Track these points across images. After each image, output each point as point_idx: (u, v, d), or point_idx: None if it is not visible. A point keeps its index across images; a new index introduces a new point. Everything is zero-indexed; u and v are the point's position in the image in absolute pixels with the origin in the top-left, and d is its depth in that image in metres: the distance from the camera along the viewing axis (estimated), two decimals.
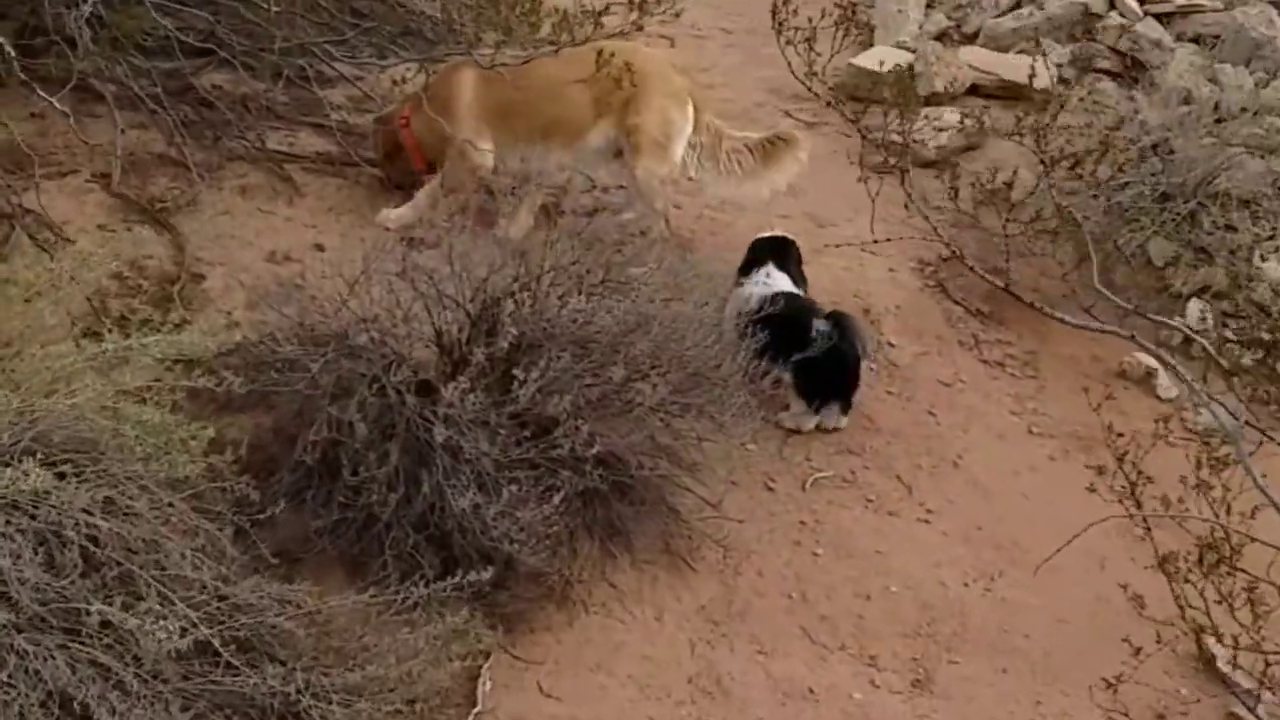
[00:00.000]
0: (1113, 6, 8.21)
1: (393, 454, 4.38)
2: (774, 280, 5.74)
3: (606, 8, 6.54)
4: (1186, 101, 6.63)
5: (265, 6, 6.38)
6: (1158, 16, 8.11)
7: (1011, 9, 8.42)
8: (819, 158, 7.28)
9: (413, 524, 4.38)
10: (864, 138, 7.30)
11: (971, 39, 8.39)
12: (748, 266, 5.84)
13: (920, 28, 8.48)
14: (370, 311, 4.63)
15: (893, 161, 6.66)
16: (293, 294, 4.94)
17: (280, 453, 4.63)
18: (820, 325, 5.55)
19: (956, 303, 6.51)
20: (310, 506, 4.47)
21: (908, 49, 8.22)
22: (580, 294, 4.78)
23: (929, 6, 8.78)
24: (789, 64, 6.98)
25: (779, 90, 8.03)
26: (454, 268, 4.73)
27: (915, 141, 7.27)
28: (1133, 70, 7.85)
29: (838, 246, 6.70)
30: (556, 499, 4.39)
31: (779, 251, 5.89)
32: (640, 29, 6.52)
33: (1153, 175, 6.38)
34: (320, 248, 5.88)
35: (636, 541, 4.86)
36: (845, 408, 5.65)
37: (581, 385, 4.62)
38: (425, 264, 4.84)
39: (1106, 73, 7.95)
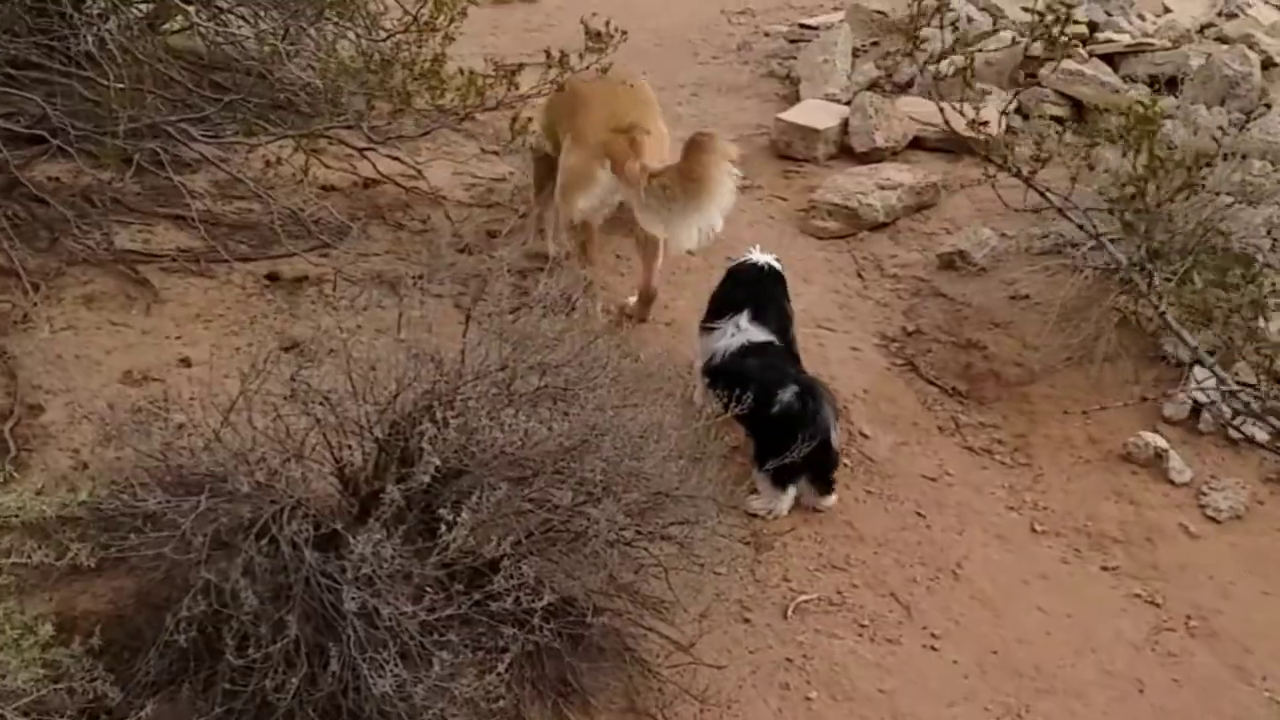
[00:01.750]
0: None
1: (290, 624, 3.55)
2: (745, 330, 5.20)
3: (520, 67, 5.86)
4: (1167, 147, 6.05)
5: (107, 84, 5.53)
6: (1104, 57, 7.61)
7: (946, 54, 7.84)
8: (755, 224, 6.65)
9: (321, 711, 3.56)
10: (813, 206, 6.71)
11: (905, 88, 7.81)
12: (719, 309, 5.28)
13: (849, 78, 7.88)
14: (252, 444, 3.80)
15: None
16: (154, 425, 4.08)
17: (147, 626, 3.79)
18: (784, 395, 4.96)
19: (930, 382, 5.85)
20: (187, 697, 3.63)
21: (838, 101, 7.61)
22: (512, 406, 4.01)
23: (856, 55, 8.19)
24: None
25: None
26: (354, 383, 3.93)
27: (862, 203, 6.65)
28: (1084, 114, 7.30)
29: None
30: (501, 666, 3.59)
31: (755, 290, 5.29)
32: (561, 88, 5.84)
33: (1133, 229, 5.78)
34: (187, 363, 5.03)
35: (596, 701, 4.10)
36: (826, 486, 5.06)
37: (522, 518, 3.85)
38: (320, 379, 4.04)
39: (1055, 119, 7.39)
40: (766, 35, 9.16)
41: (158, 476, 3.85)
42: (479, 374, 4.07)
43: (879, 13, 8.71)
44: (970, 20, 7.96)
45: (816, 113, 7.38)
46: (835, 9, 9.56)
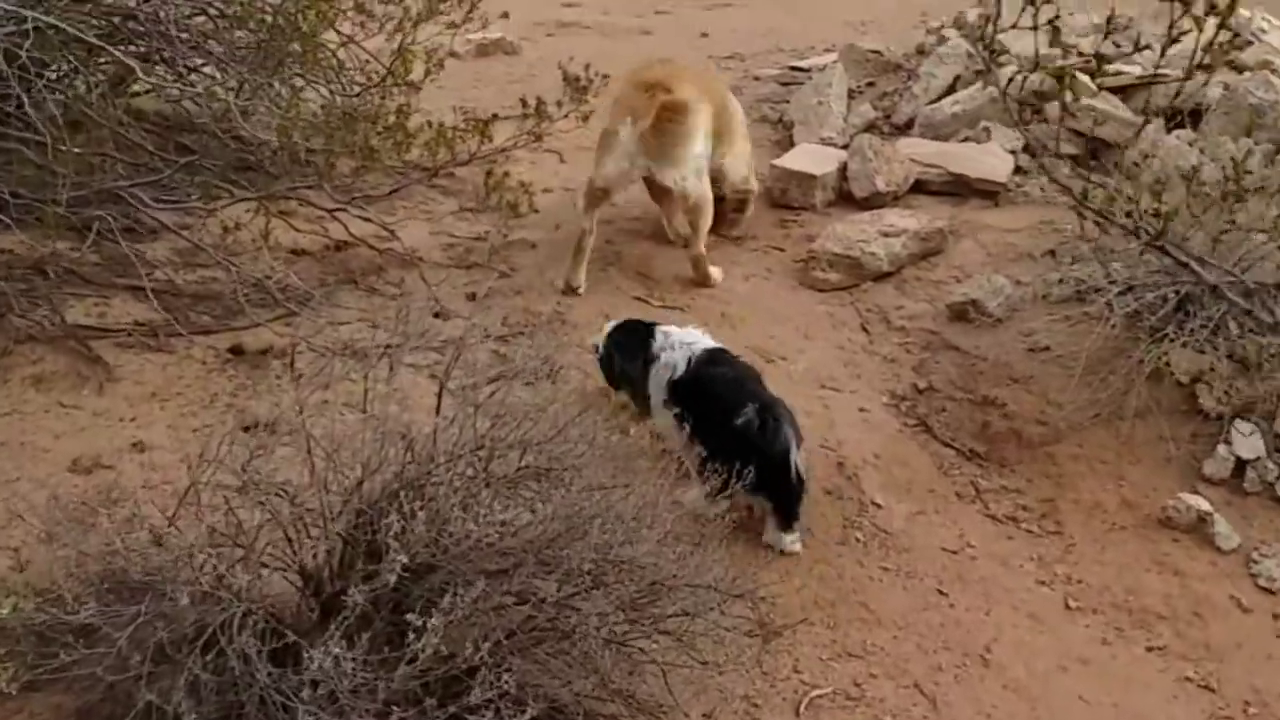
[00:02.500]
0: (1062, 84, 7.37)
1: None
2: (691, 335, 4.94)
3: (494, 118, 5.55)
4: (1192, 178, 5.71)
5: (63, 148, 5.19)
6: (1114, 90, 7.29)
7: (946, 93, 7.55)
8: (751, 278, 6.32)
9: None
10: (812, 257, 6.37)
11: (904, 129, 7.51)
12: (645, 337, 4.94)
13: (845, 120, 7.56)
14: (200, 543, 3.43)
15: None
16: (96, 521, 3.71)
17: None
18: (748, 410, 4.63)
19: (946, 444, 5.49)
20: None
21: (835, 145, 7.29)
22: (490, 489, 3.64)
23: (851, 97, 7.88)
24: None
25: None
26: (314, 470, 3.57)
27: (864, 252, 6.32)
28: (1099, 153, 6.98)
29: (792, 382, 5.64)
30: None
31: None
32: (539, 138, 5.53)
33: (1164, 273, 5.44)
34: (140, 447, 4.66)
35: None
36: (788, 522, 4.70)
37: (502, 615, 3.48)
38: (277, 465, 3.67)
39: (1067, 157, 7.06)
40: (756, 79, 8.87)
41: (96, 581, 3.49)
42: (453, 454, 3.72)
43: (874, 52, 8.43)
44: (971, 55, 7.66)
45: (812, 158, 7.07)
46: (827, 51, 9.30)
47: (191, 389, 4.97)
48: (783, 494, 4.66)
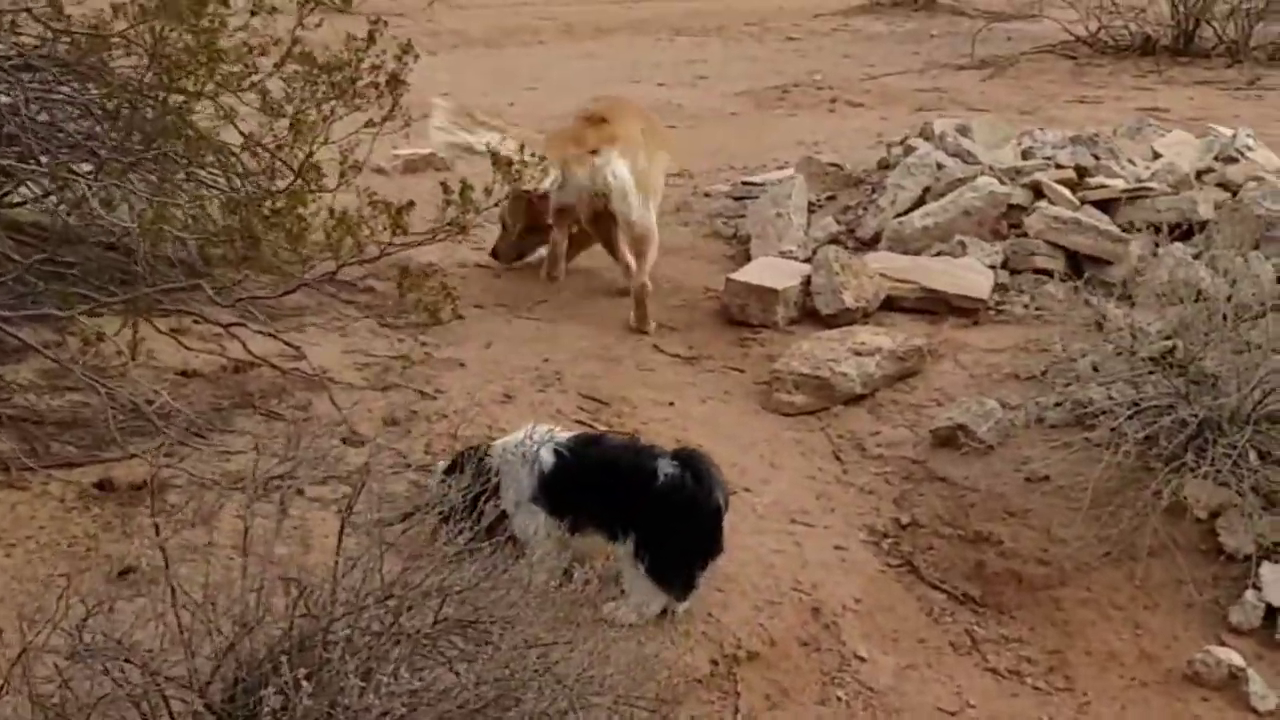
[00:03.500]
0: (1040, 196, 6.90)
1: None
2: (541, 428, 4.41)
3: (410, 204, 4.95)
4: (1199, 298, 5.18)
5: None
6: (1098, 204, 6.82)
7: (915, 205, 7.04)
8: (708, 400, 5.70)
9: None
10: (776, 378, 5.78)
11: (870, 244, 6.98)
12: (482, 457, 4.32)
13: (806, 234, 7.03)
14: None
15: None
16: None
17: None
18: (667, 466, 4.21)
19: (935, 587, 4.85)
20: None
21: (796, 258, 6.74)
22: (401, 648, 2.96)
23: (811, 211, 7.36)
24: None
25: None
26: (180, 627, 2.88)
27: (834, 372, 5.73)
28: (1084, 268, 6.47)
29: (758, 517, 4.99)
30: None
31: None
32: (464, 231, 4.93)
33: (1176, 395, 4.87)
34: None
35: None
36: (688, 585, 4.24)
37: None
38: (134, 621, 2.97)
39: (1046, 272, 6.55)
40: (707, 195, 8.35)
41: None
42: (355, 605, 3.03)
43: (833, 165, 7.95)
44: (940, 167, 7.18)
45: (773, 272, 6.51)
46: (779, 168, 8.80)
47: (45, 531, 4.22)
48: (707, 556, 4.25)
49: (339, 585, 3.16)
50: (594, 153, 6.43)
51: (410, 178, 8.94)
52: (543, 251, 7.02)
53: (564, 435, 4.41)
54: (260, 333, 5.37)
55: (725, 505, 4.28)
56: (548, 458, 4.29)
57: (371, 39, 5.65)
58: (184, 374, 5.29)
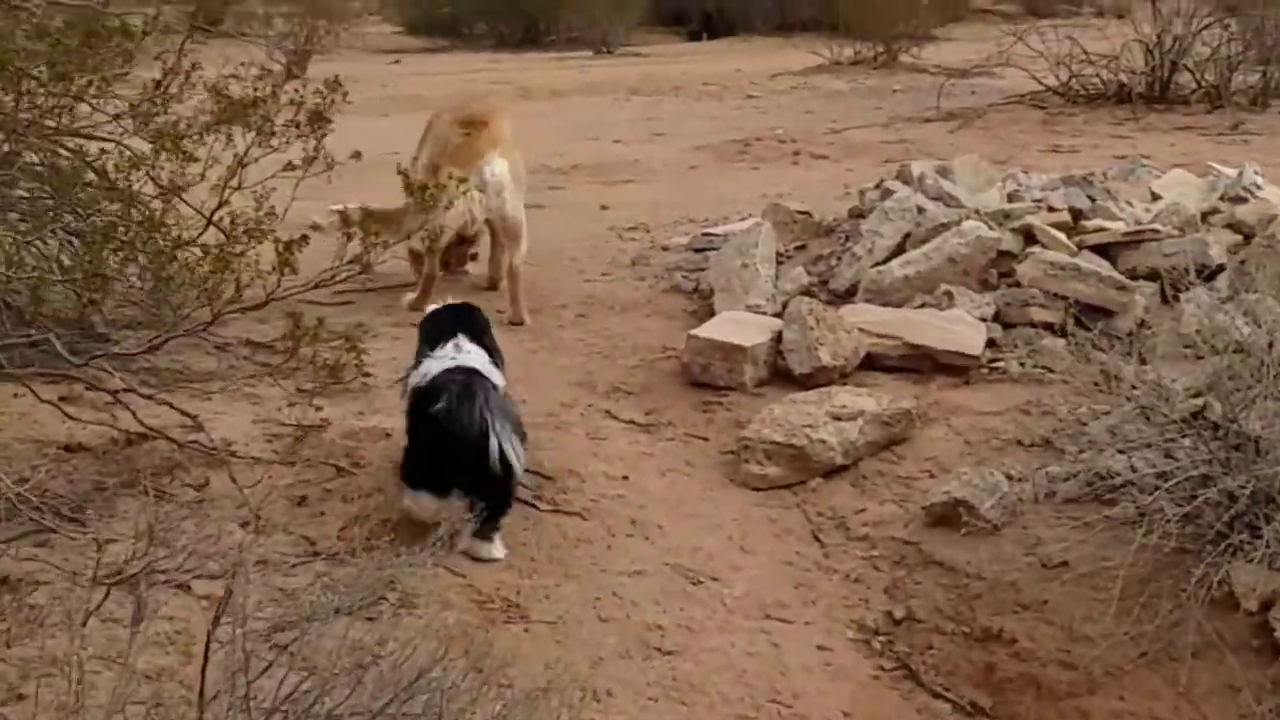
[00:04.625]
0: (1032, 241, 6.16)
1: None
2: (464, 354, 4.47)
3: (302, 238, 4.18)
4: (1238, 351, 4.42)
5: None
6: (1096, 249, 6.09)
7: (894, 253, 6.29)
8: (668, 473, 4.91)
9: None
10: (745, 447, 4.99)
11: (846, 296, 6.21)
12: (434, 340, 4.56)
13: (775, 286, 6.25)
14: None
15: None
16: None
17: None
18: (444, 399, 4.26)
19: (938, 695, 4.06)
20: None
21: (764, 312, 5.96)
22: None
23: (779, 262, 6.59)
24: None
25: (589, 383, 5.64)
26: None
27: (812, 439, 4.94)
28: (1084, 319, 5.71)
29: (728, 611, 4.18)
30: None
31: (468, 321, 4.69)
32: (367, 270, 4.17)
33: (1209, 462, 4.09)
34: None
35: None
36: (490, 524, 4.20)
37: None
38: None
39: (1043, 325, 5.80)
40: (665, 249, 7.57)
41: None
42: None
43: (802, 213, 7.20)
44: (922, 211, 6.43)
45: (739, 327, 5.72)
46: (742, 220, 8.03)
47: None
48: (484, 489, 4.17)
49: (212, 706, 2.41)
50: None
51: None
52: None
53: (464, 364, 4.43)
54: (154, 400, 4.55)
55: (503, 434, 4.22)
56: (430, 373, 4.42)
57: (290, 74, 4.92)
58: (67, 448, 4.47)
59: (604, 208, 9.04)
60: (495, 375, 4.49)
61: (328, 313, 6.24)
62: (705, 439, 5.26)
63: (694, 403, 5.49)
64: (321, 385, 4.93)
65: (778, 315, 5.84)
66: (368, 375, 5.17)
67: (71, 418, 4.55)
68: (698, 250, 7.16)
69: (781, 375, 5.60)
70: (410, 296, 6.55)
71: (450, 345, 4.49)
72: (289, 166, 5.04)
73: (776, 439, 4.99)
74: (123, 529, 4.03)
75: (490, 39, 25.52)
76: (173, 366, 5.18)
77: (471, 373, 4.37)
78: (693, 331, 5.72)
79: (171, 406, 4.52)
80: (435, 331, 4.60)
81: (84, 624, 3.40)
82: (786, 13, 24.58)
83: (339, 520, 4.22)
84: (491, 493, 4.18)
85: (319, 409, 4.88)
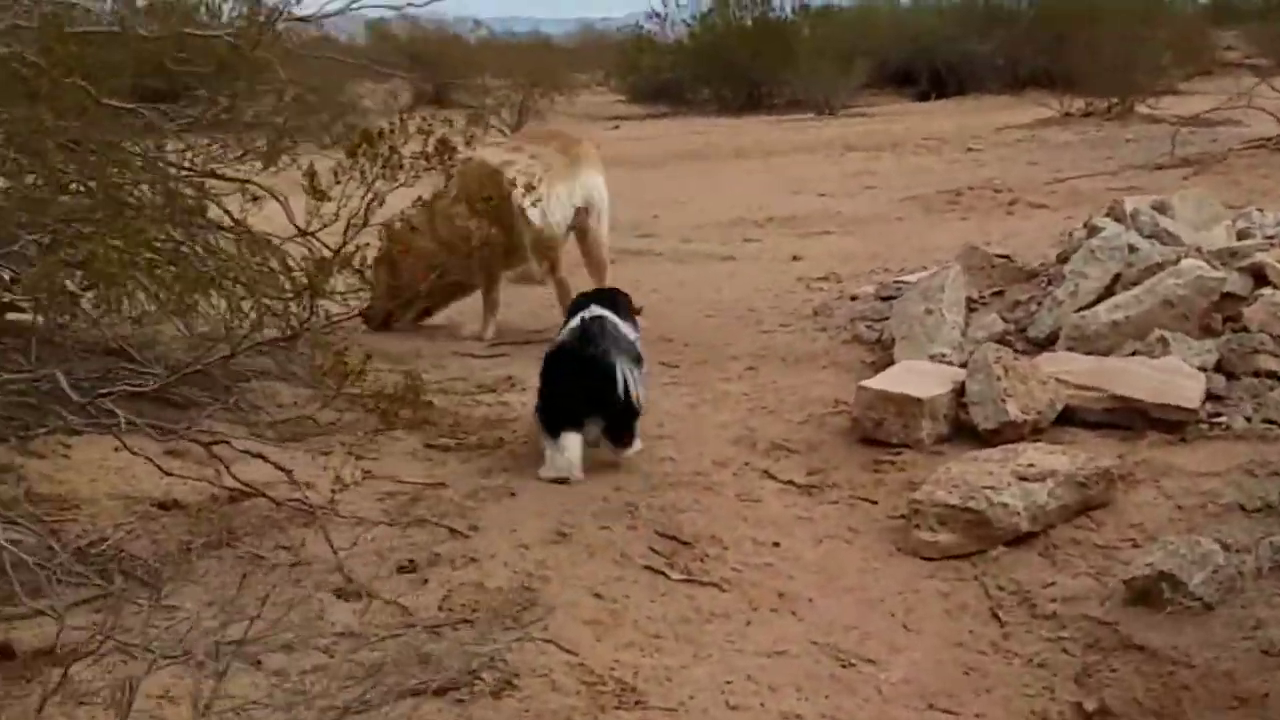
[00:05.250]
0: (1263, 282, 5.38)
1: None
2: (591, 313, 4.89)
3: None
4: None
5: None
6: None
7: (1102, 297, 5.58)
8: (827, 539, 4.33)
9: None
10: (916, 511, 4.38)
11: (1045, 345, 5.51)
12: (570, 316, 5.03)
13: (963, 334, 5.60)
14: None
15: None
16: None
17: None
18: (573, 324, 4.88)
19: None
20: None
21: (948, 362, 5.32)
22: None
23: (971, 309, 5.94)
24: None
25: (748, 440, 5.08)
26: None
27: (993, 502, 4.29)
28: None
29: (884, 700, 3.57)
30: None
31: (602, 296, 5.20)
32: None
33: None
34: None
35: None
36: (616, 433, 4.70)
37: None
38: None
39: (1273, 375, 5.01)
40: (853, 299, 6.97)
41: None
42: None
43: (1001, 257, 6.51)
44: (1134, 250, 5.70)
45: (918, 378, 5.10)
46: (944, 269, 7.39)
47: None
48: (608, 406, 4.61)
49: None
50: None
51: (520, 286, 7.82)
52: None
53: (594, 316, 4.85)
54: (250, 454, 4.19)
55: (621, 365, 4.64)
56: (564, 335, 4.91)
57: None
58: (162, 505, 4.14)
59: (796, 258, 8.52)
60: (623, 324, 4.89)
61: (479, 364, 5.94)
62: (873, 502, 4.64)
63: (863, 462, 4.88)
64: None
65: (964, 366, 5.20)
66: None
67: (167, 473, 4.21)
68: (884, 299, 6.55)
69: (964, 431, 4.95)
70: (474, 328, 6.63)
71: (580, 315, 4.90)
72: (419, 201, 4.74)
73: (952, 502, 4.34)
74: (198, 595, 3.66)
75: (713, 104, 25.34)
76: (295, 417, 4.86)
77: (594, 319, 4.80)
78: (864, 383, 5.11)
79: (265, 460, 4.13)
80: (572, 310, 5.08)
81: (129, 703, 3.02)
82: (1018, 69, 23.70)
83: (443, 588, 3.76)
84: (615, 408, 4.63)
85: (442, 463, 4.49)
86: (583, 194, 6.59)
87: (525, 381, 5.66)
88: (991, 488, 4.36)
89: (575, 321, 4.86)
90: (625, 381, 4.63)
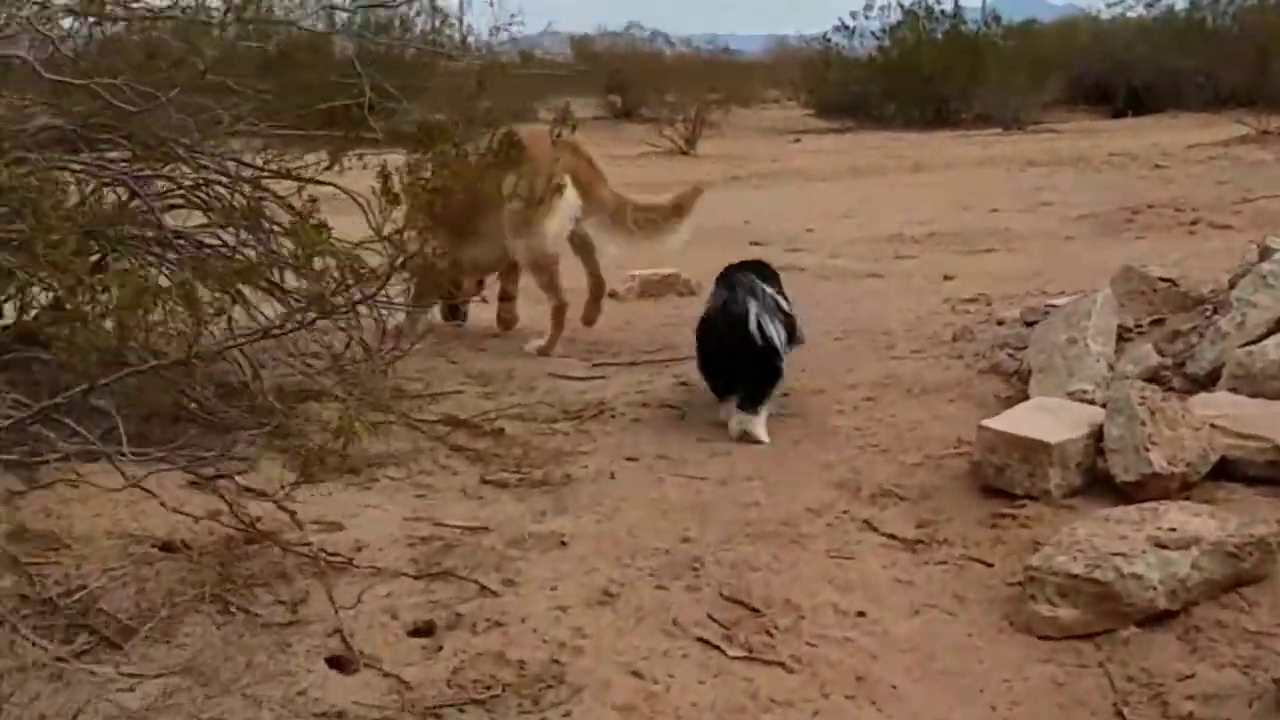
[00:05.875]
0: None
1: None
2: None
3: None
4: None
5: None
6: None
7: (1273, 330, 4.76)
8: (925, 609, 3.66)
9: None
10: (1033, 579, 3.67)
11: (1206, 383, 4.72)
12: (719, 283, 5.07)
13: (1112, 368, 4.84)
14: None
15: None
16: None
17: None
18: (710, 300, 5.01)
19: None
20: None
21: (1088, 400, 4.57)
22: None
23: (1125, 338, 5.17)
24: None
25: (852, 483, 4.41)
26: None
27: (1123, 573, 3.56)
28: None
29: None
30: None
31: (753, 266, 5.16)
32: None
33: None
34: None
35: None
36: (749, 400, 4.73)
37: None
38: None
39: None
40: (999, 324, 6.20)
41: None
42: None
43: (1165, 280, 5.69)
44: None
45: (1050, 417, 4.35)
46: (1092, 292, 6.57)
47: None
48: (748, 366, 4.67)
49: None
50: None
51: (646, 302, 7.27)
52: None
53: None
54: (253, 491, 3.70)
55: (762, 314, 4.71)
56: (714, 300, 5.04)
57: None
58: (165, 546, 3.65)
59: (947, 278, 7.77)
60: (770, 289, 4.91)
61: (572, 387, 5.41)
62: (987, 564, 3.91)
63: (981, 515, 4.15)
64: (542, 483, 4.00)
65: (1104, 405, 4.44)
66: (570, 472, 4.20)
67: (174, 509, 3.71)
68: (1030, 324, 5.77)
69: (1101, 483, 4.19)
70: (539, 343, 6.18)
71: (729, 283, 4.96)
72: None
73: (1075, 570, 3.60)
74: (171, 660, 3.15)
75: (899, 119, 24.56)
76: (358, 447, 4.37)
77: (740, 284, 4.84)
78: (985, 422, 4.37)
79: (267, 497, 3.62)
80: (722, 277, 5.09)
81: None
82: (1219, 87, 22.29)
83: (456, 658, 3.19)
84: (754, 370, 4.68)
85: (494, 502, 3.93)
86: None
87: (617, 407, 5.10)
88: (1123, 555, 3.61)
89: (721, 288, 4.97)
90: (760, 331, 4.69)
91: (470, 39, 19.67)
